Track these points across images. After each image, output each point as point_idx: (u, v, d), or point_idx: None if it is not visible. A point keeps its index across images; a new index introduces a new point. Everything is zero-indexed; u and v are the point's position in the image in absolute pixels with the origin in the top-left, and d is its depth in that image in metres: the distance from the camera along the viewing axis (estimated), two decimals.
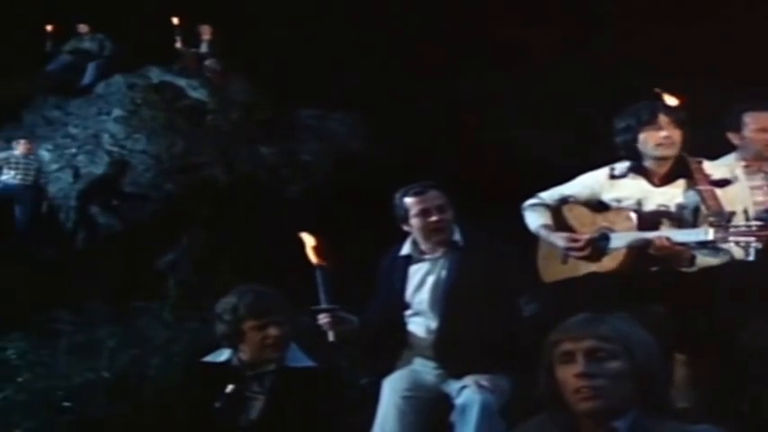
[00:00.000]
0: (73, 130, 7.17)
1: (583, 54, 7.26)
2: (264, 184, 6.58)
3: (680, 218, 2.20)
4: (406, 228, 2.36)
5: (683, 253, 2.10)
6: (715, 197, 2.14)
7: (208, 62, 7.71)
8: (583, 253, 2.23)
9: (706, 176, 2.21)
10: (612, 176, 2.32)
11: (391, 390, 2.17)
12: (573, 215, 2.38)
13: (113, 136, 6.96)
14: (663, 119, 2.21)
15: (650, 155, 2.24)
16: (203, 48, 7.87)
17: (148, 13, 7.45)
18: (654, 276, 2.16)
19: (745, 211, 2.07)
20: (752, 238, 1.97)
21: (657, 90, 2.41)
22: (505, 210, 2.57)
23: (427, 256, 2.32)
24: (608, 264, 2.23)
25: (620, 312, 1.39)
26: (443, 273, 2.29)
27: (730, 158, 2.66)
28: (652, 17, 7.33)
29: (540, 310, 2.37)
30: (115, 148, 6.87)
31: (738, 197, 2.19)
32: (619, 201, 2.29)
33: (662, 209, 2.22)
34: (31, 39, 7.73)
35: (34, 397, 2.88)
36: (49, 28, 7.94)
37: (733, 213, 2.08)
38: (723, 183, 2.21)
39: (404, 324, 2.32)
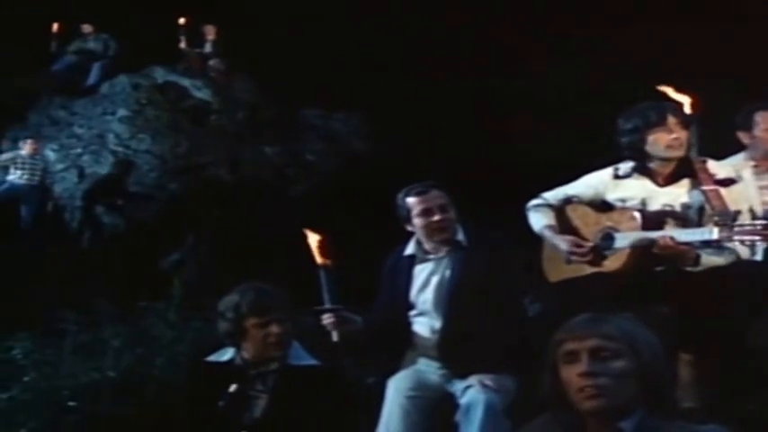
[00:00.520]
0: (78, 130, 7.20)
1: (584, 53, 7.25)
2: (269, 184, 6.59)
3: (685, 217, 2.20)
4: (408, 227, 2.36)
5: (687, 252, 2.09)
6: (720, 196, 2.13)
7: (212, 62, 7.73)
8: (585, 258, 2.23)
9: (710, 176, 2.20)
10: (617, 176, 2.32)
11: (396, 389, 2.17)
12: (577, 215, 2.38)
13: (118, 136, 6.98)
14: (671, 120, 2.20)
15: (659, 156, 2.23)
16: (207, 48, 7.89)
17: (152, 14, 7.47)
18: (659, 276, 2.16)
19: (751, 210, 2.06)
20: (757, 237, 1.96)
21: (662, 89, 2.40)
22: (509, 209, 2.57)
23: (431, 256, 2.32)
24: (612, 264, 2.23)
25: (624, 312, 1.39)
26: (447, 272, 2.29)
27: (739, 158, 2.65)
28: (661, 15, 7.30)
29: (544, 310, 2.36)
30: (120, 148, 6.89)
31: (743, 196, 2.19)
32: (623, 201, 2.29)
33: (667, 209, 2.21)
34: (36, 39, 7.76)
35: (40, 396, 2.89)
36: (54, 28, 7.97)
37: (738, 212, 2.07)
38: (728, 182, 2.20)
39: (408, 324, 2.32)
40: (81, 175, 6.81)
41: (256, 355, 2.05)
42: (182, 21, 7.64)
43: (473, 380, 2.11)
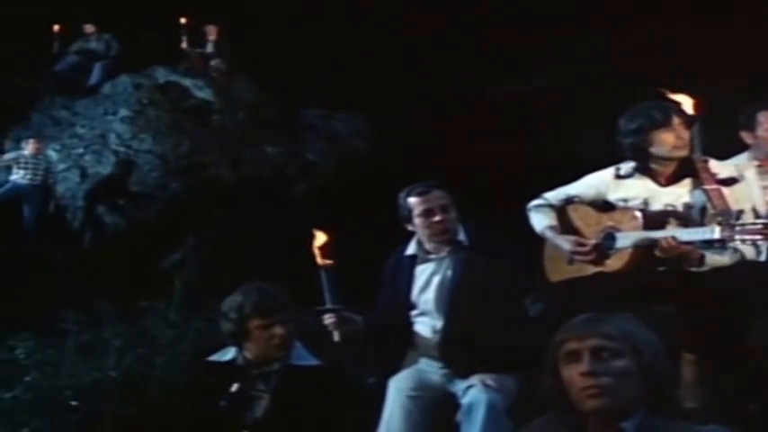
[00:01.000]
0: (80, 130, 7.21)
1: (585, 52, 7.24)
2: (270, 184, 6.59)
3: (687, 217, 2.19)
4: (410, 228, 2.36)
5: (690, 253, 2.08)
6: (722, 196, 2.13)
7: (213, 62, 7.73)
8: (588, 258, 2.23)
9: (712, 175, 2.20)
10: (618, 176, 2.31)
11: (397, 389, 2.17)
12: (578, 215, 2.37)
13: (120, 136, 6.99)
14: (676, 120, 2.20)
15: (663, 156, 2.22)
16: (209, 48, 7.89)
17: (154, 14, 7.47)
18: (661, 276, 2.15)
19: (754, 210, 2.05)
20: (759, 237, 1.96)
21: (661, 90, 2.40)
22: (510, 209, 2.57)
23: (432, 256, 2.32)
24: (614, 263, 2.22)
25: (625, 313, 1.39)
26: (449, 273, 2.28)
27: (743, 158, 2.65)
28: (663, 15, 7.29)
29: (545, 310, 2.36)
30: (121, 148, 6.90)
31: (745, 195, 2.18)
32: (625, 201, 2.28)
33: (668, 208, 2.21)
34: (38, 39, 7.77)
35: (42, 396, 2.90)
36: (56, 29, 7.98)
37: (740, 212, 2.06)
38: (730, 181, 2.20)
39: (409, 324, 2.32)
40: (83, 174, 6.83)
41: (259, 356, 2.05)
42: (183, 21, 7.64)
43: (474, 380, 2.11)
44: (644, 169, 2.27)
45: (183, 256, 5.14)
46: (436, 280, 2.29)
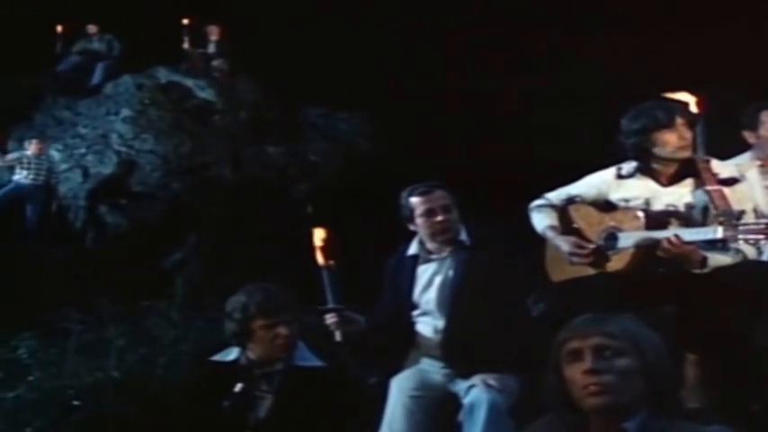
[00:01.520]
0: (82, 131, 7.22)
1: (586, 53, 7.23)
2: (271, 184, 6.60)
3: (689, 217, 2.19)
4: (411, 227, 2.36)
5: (692, 253, 2.08)
6: (723, 196, 2.12)
7: (215, 62, 7.74)
8: (587, 260, 2.22)
9: (714, 175, 2.19)
10: (620, 176, 2.31)
11: (399, 389, 2.17)
12: (580, 215, 2.37)
13: (122, 136, 7.00)
14: (679, 120, 2.20)
15: (666, 157, 2.22)
16: (211, 48, 7.90)
17: (156, 14, 7.48)
18: (664, 276, 2.15)
19: (756, 210, 2.05)
20: (761, 236, 1.95)
21: (662, 93, 2.39)
22: (512, 209, 2.57)
23: (434, 256, 2.32)
24: (616, 264, 2.22)
25: (626, 313, 1.39)
26: (450, 273, 2.29)
27: (745, 157, 2.64)
28: (663, 15, 7.28)
29: (547, 310, 2.36)
30: (123, 148, 6.91)
31: (747, 195, 2.18)
32: (627, 201, 2.28)
33: (670, 208, 2.20)
34: (40, 40, 7.79)
35: (44, 396, 2.91)
36: (58, 29, 8.00)
37: (742, 212, 2.06)
38: (731, 181, 2.19)
39: (411, 324, 2.32)
40: (85, 174, 6.84)
41: (263, 356, 2.05)
42: (185, 21, 7.65)
43: (476, 379, 2.11)
44: (645, 169, 2.26)
45: (185, 255, 5.15)
46: (438, 280, 2.30)
